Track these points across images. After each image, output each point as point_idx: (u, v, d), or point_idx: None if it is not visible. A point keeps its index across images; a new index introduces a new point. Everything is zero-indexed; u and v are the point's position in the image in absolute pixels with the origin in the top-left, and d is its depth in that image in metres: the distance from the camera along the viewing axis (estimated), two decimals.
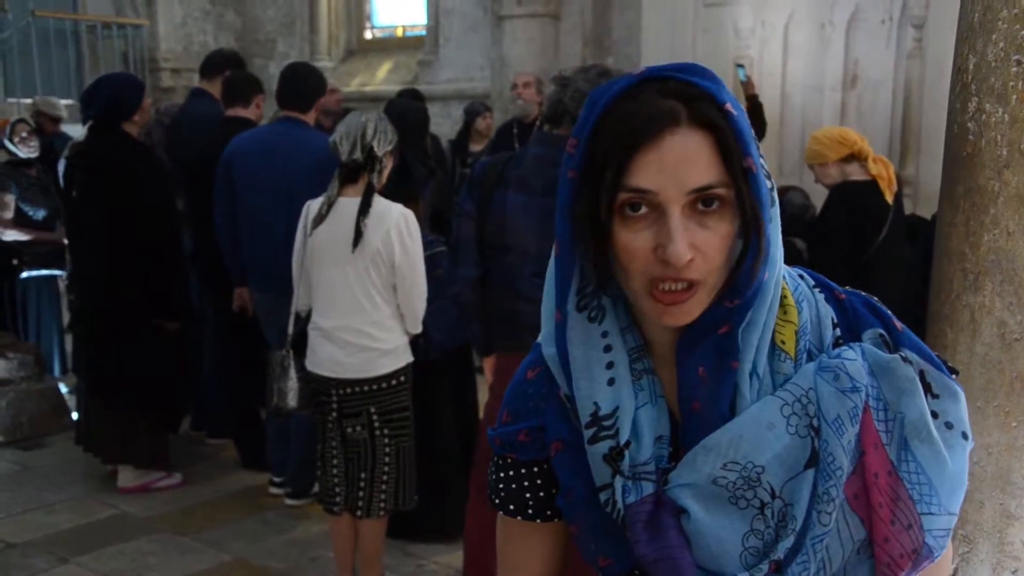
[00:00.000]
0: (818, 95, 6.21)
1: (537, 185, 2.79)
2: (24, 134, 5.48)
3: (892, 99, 5.97)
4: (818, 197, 4.55)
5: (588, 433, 0.95)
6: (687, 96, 0.88)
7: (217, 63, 4.90)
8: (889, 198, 3.47)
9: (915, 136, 5.84)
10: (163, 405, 4.30)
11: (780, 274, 0.95)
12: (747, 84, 5.48)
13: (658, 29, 6.57)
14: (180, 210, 4.69)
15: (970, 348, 1.85)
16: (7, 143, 5.42)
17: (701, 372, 0.93)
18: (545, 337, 1.02)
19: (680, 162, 0.87)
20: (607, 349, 0.96)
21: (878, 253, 3.48)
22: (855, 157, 3.49)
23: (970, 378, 1.84)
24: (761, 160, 0.91)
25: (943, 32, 5.13)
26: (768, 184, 0.92)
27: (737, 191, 0.88)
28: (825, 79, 6.19)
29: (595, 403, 0.95)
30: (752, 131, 0.91)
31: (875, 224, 3.46)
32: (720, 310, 0.91)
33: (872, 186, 3.46)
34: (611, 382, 0.95)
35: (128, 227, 3.98)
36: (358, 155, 3.04)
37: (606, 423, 0.94)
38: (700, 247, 0.87)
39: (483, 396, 3.22)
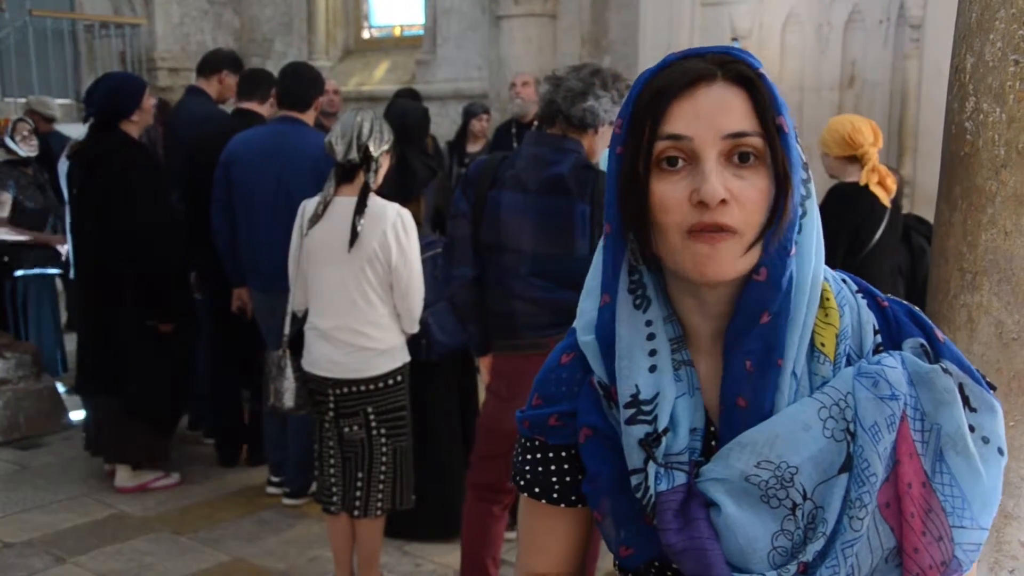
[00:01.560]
0: (816, 95, 6.21)
1: (532, 184, 2.79)
2: (25, 133, 5.51)
3: (890, 99, 5.98)
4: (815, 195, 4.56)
5: (626, 414, 0.95)
6: (723, 61, 0.93)
7: (214, 62, 4.90)
8: (885, 199, 3.46)
9: (912, 136, 5.84)
10: (159, 406, 4.29)
11: (819, 275, 0.96)
12: None
13: (655, 29, 6.57)
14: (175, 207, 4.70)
15: (967, 348, 1.86)
16: (8, 141, 5.43)
17: (748, 366, 0.93)
18: (583, 326, 1.03)
19: (715, 110, 0.90)
20: (650, 337, 0.96)
21: (873, 254, 3.48)
22: (858, 159, 3.48)
23: None
24: (798, 144, 0.93)
25: (941, 32, 5.14)
26: (804, 174, 0.94)
27: (770, 145, 0.90)
28: (823, 79, 6.19)
29: (636, 385, 0.95)
30: (787, 107, 0.94)
31: (871, 226, 3.46)
32: (753, 288, 0.92)
33: (865, 187, 3.45)
34: (653, 369, 0.96)
35: (124, 227, 3.97)
36: (354, 155, 3.04)
37: (645, 407, 0.95)
38: (736, 195, 0.89)
39: (479, 396, 3.22)
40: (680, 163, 0.90)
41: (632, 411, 0.95)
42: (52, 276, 5.57)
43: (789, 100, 6.19)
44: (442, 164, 6.45)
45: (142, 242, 3.99)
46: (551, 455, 1.07)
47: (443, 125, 8.03)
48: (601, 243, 1.01)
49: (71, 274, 5.47)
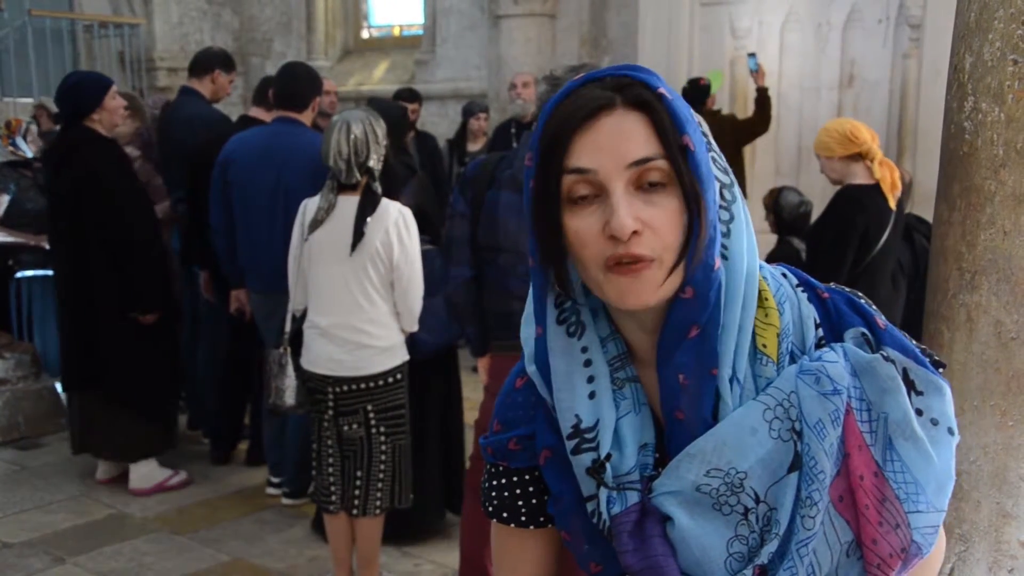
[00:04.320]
0: (815, 95, 6.22)
1: None
2: (34, 134, 5.52)
3: (889, 99, 5.98)
4: (816, 196, 4.56)
5: (570, 444, 0.96)
6: (621, 85, 0.91)
7: (206, 62, 4.87)
8: (892, 202, 3.46)
9: (911, 136, 5.84)
10: (145, 398, 4.27)
11: (753, 276, 0.95)
12: (757, 74, 5.44)
13: (655, 28, 6.57)
14: (171, 209, 4.70)
15: (967, 347, 1.86)
16: (20, 142, 5.42)
17: (682, 380, 0.93)
18: (528, 354, 1.04)
19: (616, 139, 0.89)
20: (587, 364, 0.97)
21: (880, 256, 3.48)
22: (861, 156, 3.47)
23: (967, 377, 1.85)
24: (712, 153, 0.93)
25: (939, 32, 5.15)
26: (725, 179, 0.93)
27: (675, 167, 0.89)
28: (822, 79, 6.20)
29: (576, 415, 0.96)
30: (692, 114, 0.93)
31: (878, 228, 3.45)
32: (680, 305, 0.92)
33: (876, 189, 3.44)
34: (592, 395, 0.96)
35: (94, 222, 3.96)
36: (356, 177, 3.04)
37: (588, 435, 0.95)
38: (648, 222, 0.88)
39: (477, 396, 3.21)
40: (589, 195, 0.90)
41: (575, 441, 0.96)
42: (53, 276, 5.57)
43: (788, 99, 6.25)
44: (438, 164, 6.44)
45: (118, 234, 3.99)
46: (515, 479, 1.07)
47: (442, 125, 8.04)
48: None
49: None
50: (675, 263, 0.90)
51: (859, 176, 3.48)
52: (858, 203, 3.45)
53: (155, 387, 4.32)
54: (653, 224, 0.88)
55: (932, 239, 2.00)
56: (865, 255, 3.46)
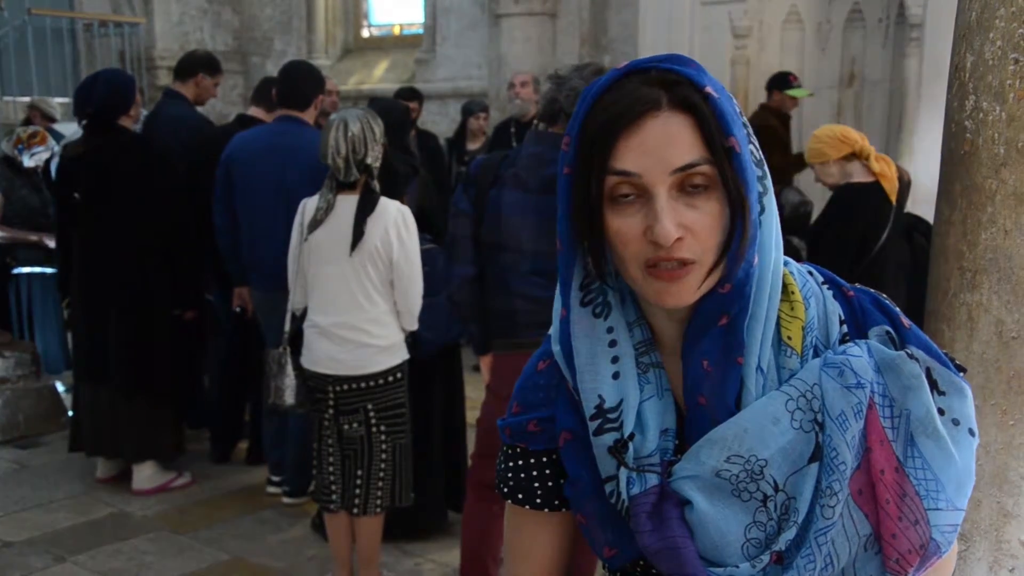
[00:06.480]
0: (815, 94, 6.22)
1: (533, 183, 2.79)
2: (40, 147, 5.50)
3: (889, 98, 5.98)
4: (816, 196, 4.57)
5: (593, 425, 0.96)
6: (668, 82, 0.91)
7: (190, 65, 4.89)
8: (892, 198, 3.46)
9: (912, 135, 5.84)
10: (185, 398, 4.35)
11: (779, 266, 0.96)
12: None
13: (655, 27, 6.57)
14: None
15: (967, 346, 1.86)
16: (25, 157, 5.41)
17: (706, 366, 0.94)
18: (553, 334, 1.04)
19: (662, 143, 0.89)
20: (612, 344, 0.97)
21: (880, 255, 3.48)
22: (856, 156, 3.48)
23: (967, 376, 1.85)
24: (751, 146, 0.93)
25: (940, 30, 5.15)
26: (759, 171, 0.93)
27: (720, 170, 0.89)
28: (822, 78, 6.20)
29: (600, 396, 0.96)
30: (739, 114, 0.92)
31: (878, 227, 3.45)
32: (715, 298, 0.92)
33: (875, 187, 3.45)
34: (616, 376, 0.96)
35: (147, 221, 4.01)
36: (355, 175, 3.04)
37: (611, 415, 0.96)
38: (690, 227, 0.89)
39: (478, 395, 3.22)
40: (632, 195, 0.90)
41: (598, 421, 0.96)
42: (53, 275, 5.55)
43: None
44: (439, 162, 6.45)
45: (170, 232, 4.06)
46: (532, 461, 1.07)
47: (443, 124, 8.04)
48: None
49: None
50: (715, 263, 0.90)
51: (857, 175, 3.49)
52: (857, 201, 3.45)
53: (191, 388, 4.41)
54: (695, 228, 0.89)
55: (933, 238, 2.00)
56: (866, 253, 3.46)
